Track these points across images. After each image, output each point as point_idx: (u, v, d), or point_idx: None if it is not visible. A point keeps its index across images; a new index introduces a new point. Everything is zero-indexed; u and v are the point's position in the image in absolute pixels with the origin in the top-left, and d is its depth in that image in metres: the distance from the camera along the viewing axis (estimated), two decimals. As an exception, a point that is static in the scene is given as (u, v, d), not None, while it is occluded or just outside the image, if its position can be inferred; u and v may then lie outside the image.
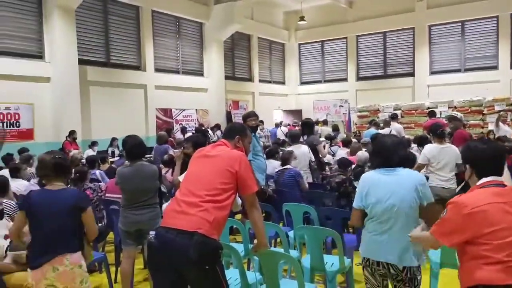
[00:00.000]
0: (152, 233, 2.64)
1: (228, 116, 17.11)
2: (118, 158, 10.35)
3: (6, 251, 3.62)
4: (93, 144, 11.17)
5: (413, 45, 17.89)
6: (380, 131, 9.35)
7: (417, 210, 2.60)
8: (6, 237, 3.68)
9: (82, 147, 10.89)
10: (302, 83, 21.33)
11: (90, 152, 10.31)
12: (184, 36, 16.10)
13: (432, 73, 17.38)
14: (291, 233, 4.41)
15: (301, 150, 6.35)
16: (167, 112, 15.19)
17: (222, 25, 16.24)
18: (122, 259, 4.03)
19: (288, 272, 4.23)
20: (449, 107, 14.38)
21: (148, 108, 14.39)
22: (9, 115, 10.85)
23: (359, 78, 19.44)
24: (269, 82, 20.47)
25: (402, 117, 14.95)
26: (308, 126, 7.09)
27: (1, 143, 9.93)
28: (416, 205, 2.59)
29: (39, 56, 11.46)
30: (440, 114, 13.63)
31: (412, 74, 17.88)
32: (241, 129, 3.07)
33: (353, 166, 6.38)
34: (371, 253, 2.70)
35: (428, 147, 5.50)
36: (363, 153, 6.37)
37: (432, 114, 11.72)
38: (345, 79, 19.74)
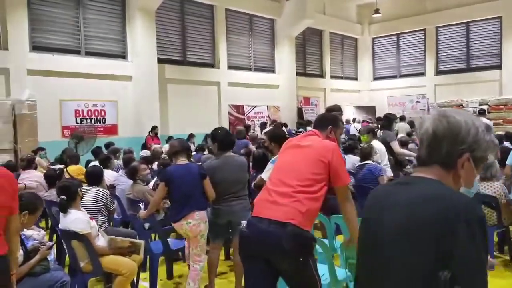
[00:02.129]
0: (243, 222, 2.63)
1: (299, 112, 16.97)
2: (194, 153, 10.62)
3: (97, 232, 3.82)
4: (169, 139, 11.58)
5: (500, 36, 16.52)
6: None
7: None
8: (91, 218, 3.88)
9: (162, 142, 11.34)
10: (376, 78, 20.59)
11: (167, 147, 10.72)
12: (256, 33, 16.21)
13: (523, 65, 15.94)
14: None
15: (379, 145, 6.08)
16: (239, 108, 15.40)
17: (294, 21, 16.13)
18: (210, 249, 4.08)
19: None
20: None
21: (221, 104, 14.69)
22: (96, 112, 11.61)
23: (438, 72, 18.34)
24: (341, 78, 20.01)
25: (489, 112, 13.85)
26: (387, 120, 6.77)
27: (94, 138, 10.67)
28: None
29: (123, 56, 12.13)
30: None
31: (499, 67, 16.51)
32: (334, 119, 2.95)
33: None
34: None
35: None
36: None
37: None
38: (423, 74, 18.73)
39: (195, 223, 3.80)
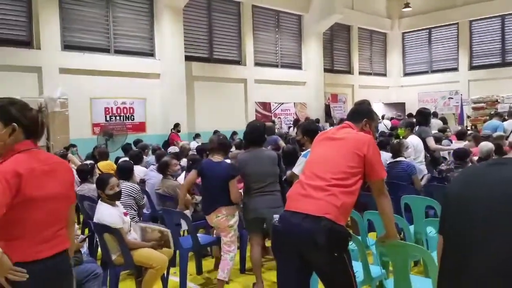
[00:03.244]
0: (276, 216, 2.57)
1: (327, 109, 16.77)
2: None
3: (130, 227, 3.84)
4: (196, 136, 11.68)
5: (538, 28, 15.85)
6: (504, 123, 8.37)
7: None
8: (125, 214, 3.91)
9: (187, 139, 11.41)
10: (406, 74, 20.12)
11: (194, 144, 10.77)
12: (283, 30, 16.10)
13: None
14: (410, 228, 4.06)
15: (413, 141, 5.90)
16: (266, 105, 15.34)
17: (322, 17, 15.93)
18: (251, 247, 4.05)
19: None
20: None
21: (247, 101, 14.66)
22: (125, 109, 11.79)
23: (472, 67, 17.76)
24: (370, 74, 19.66)
25: (525, 108, 13.29)
26: (422, 116, 6.55)
27: (125, 135, 10.85)
28: None
29: (151, 54, 12.26)
30: None
31: (537, 61, 15.85)
32: (369, 112, 2.85)
33: (475, 158, 5.75)
34: None
35: None
36: (486, 144, 5.70)
37: None
38: (456, 69, 18.18)
39: (223, 217, 3.93)
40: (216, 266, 4.54)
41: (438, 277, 1.45)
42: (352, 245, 3.09)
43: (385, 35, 20.24)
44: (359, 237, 3.29)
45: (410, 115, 13.06)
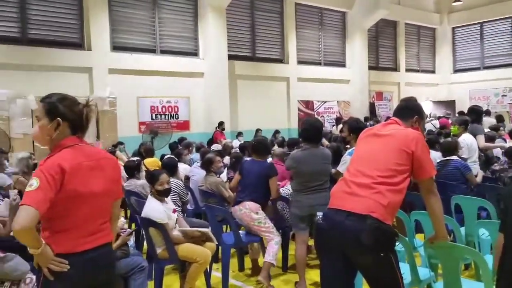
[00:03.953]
0: (319, 214, 2.52)
1: (371, 108, 16.38)
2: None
3: (175, 224, 3.92)
4: (239, 134, 11.77)
5: None
6: None
7: None
8: (174, 211, 3.99)
9: (230, 138, 11.51)
10: (456, 71, 19.28)
11: (236, 142, 10.86)
12: (327, 27, 15.88)
13: None
14: (461, 230, 3.88)
15: (467, 140, 5.62)
16: (308, 104, 15.20)
17: (367, 13, 15.56)
18: (296, 244, 4.03)
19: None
20: None
21: (290, 100, 14.59)
22: (170, 108, 12.06)
23: (528, 63, 16.75)
24: (417, 71, 19.00)
25: None
26: (475, 114, 6.24)
27: (171, 133, 11.16)
28: None
29: (195, 53, 12.47)
30: None
31: None
32: (420, 108, 2.72)
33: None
34: None
35: None
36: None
37: None
38: (510, 65, 17.19)
39: (246, 212, 4.21)
40: (254, 268, 4.55)
41: (497, 276, 1.37)
42: (398, 246, 2.99)
43: (434, 30, 19.48)
44: (406, 238, 3.17)
45: (461, 113, 12.47)
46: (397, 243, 2.42)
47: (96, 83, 10.45)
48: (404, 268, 2.92)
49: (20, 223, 1.82)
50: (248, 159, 4.65)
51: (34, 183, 1.88)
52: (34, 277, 2.97)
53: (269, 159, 5.24)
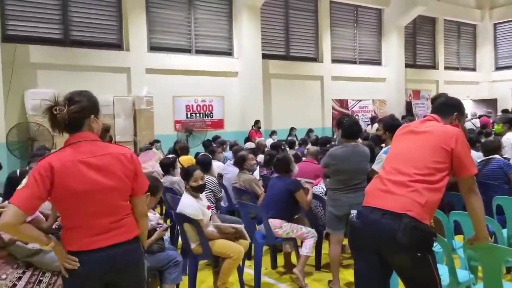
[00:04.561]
0: (353, 212, 2.47)
1: (408, 106, 15.99)
2: (297, 147, 10.62)
3: (210, 220, 3.97)
4: (272, 133, 11.76)
5: None
6: None
7: None
8: (208, 207, 4.03)
9: (264, 136, 11.55)
10: (498, 68, 18.53)
11: (270, 141, 10.86)
12: (362, 25, 15.63)
13: None
14: (503, 232, 3.72)
15: (510, 139, 5.39)
16: (343, 103, 15.02)
17: (404, 10, 15.20)
18: (331, 244, 4.01)
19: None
20: None
21: (324, 99, 14.47)
22: (204, 107, 12.23)
23: None
24: (457, 69, 18.40)
25: None
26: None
27: (205, 132, 11.34)
28: None
29: (229, 53, 12.58)
30: None
31: None
32: (460, 105, 2.63)
33: None
34: None
35: None
36: None
37: None
38: (558, 61, 16.36)
39: (274, 229, 4.23)
40: (286, 264, 4.55)
41: None
42: (436, 247, 2.91)
43: (475, 27, 18.79)
44: (445, 239, 3.07)
45: (505, 111, 11.98)
46: (435, 244, 2.35)
47: (134, 83, 10.73)
48: (442, 270, 2.83)
49: (2, 220, 1.89)
50: (272, 178, 4.69)
51: (23, 182, 1.95)
52: None
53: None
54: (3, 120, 8.71)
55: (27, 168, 4.55)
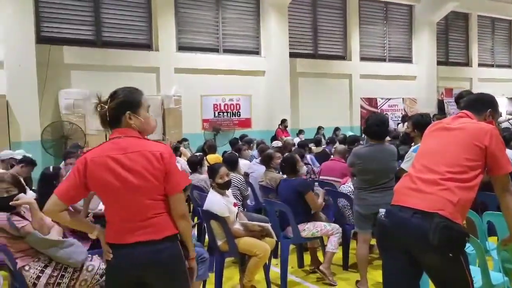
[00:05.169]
0: (382, 211, 2.42)
1: (440, 105, 15.58)
2: (324, 146, 10.53)
3: (236, 217, 3.98)
4: (300, 132, 11.72)
5: None
6: None
7: None
8: (235, 204, 4.04)
9: (291, 135, 11.50)
10: (536, 65, 17.79)
11: (297, 140, 10.81)
12: (392, 21, 15.34)
13: None
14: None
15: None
16: (371, 101, 14.78)
17: (435, 5, 14.84)
18: (358, 243, 3.96)
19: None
20: None
21: (352, 97, 14.30)
22: (232, 106, 12.29)
23: None
24: (491, 66, 17.79)
25: None
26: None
27: (233, 130, 11.42)
28: None
29: (256, 52, 12.60)
30: None
31: None
32: (493, 101, 2.52)
33: None
34: None
35: None
36: None
37: None
38: None
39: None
40: (312, 260, 4.51)
41: None
42: (469, 249, 2.82)
43: (510, 22, 18.11)
44: (478, 240, 2.97)
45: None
46: (467, 245, 2.27)
47: (163, 82, 10.90)
48: (475, 272, 2.75)
49: (44, 208, 2.09)
50: (282, 182, 4.56)
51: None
52: (96, 264, 3.16)
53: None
54: (38, 119, 9.02)
55: (61, 165, 4.69)
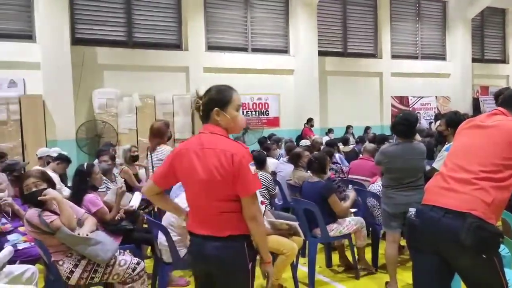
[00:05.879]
0: (412, 210, 2.36)
1: (475, 103, 15.09)
2: (354, 145, 10.40)
3: (263, 215, 3.98)
4: (329, 131, 11.62)
5: None
6: None
7: None
8: (262, 203, 4.04)
9: (320, 134, 11.40)
10: None
11: (326, 139, 10.71)
12: (424, 18, 14.97)
13: None
14: None
15: None
16: (403, 100, 14.48)
17: (470, 1, 14.40)
18: (387, 243, 3.90)
19: None
20: None
21: (383, 96, 14.05)
22: (260, 105, 12.31)
23: None
24: (530, 62, 17.07)
25: None
26: None
27: (262, 129, 11.46)
28: None
29: (285, 50, 12.56)
30: None
31: None
32: None
33: None
34: None
35: None
36: None
37: None
38: None
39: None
40: (341, 257, 4.48)
41: None
42: (503, 250, 2.73)
43: (551, 16, 17.32)
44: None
45: None
46: (502, 247, 2.20)
47: (192, 81, 11.03)
48: (509, 274, 2.65)
49: (142, 189, 2.49)
50: (305, 183, 4.55)
51: None
52: (128, 259, 3.23)
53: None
54: (73, 118, 9.32)
55: (94, 162, 4.83)
